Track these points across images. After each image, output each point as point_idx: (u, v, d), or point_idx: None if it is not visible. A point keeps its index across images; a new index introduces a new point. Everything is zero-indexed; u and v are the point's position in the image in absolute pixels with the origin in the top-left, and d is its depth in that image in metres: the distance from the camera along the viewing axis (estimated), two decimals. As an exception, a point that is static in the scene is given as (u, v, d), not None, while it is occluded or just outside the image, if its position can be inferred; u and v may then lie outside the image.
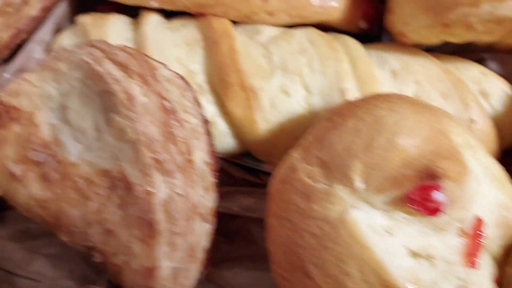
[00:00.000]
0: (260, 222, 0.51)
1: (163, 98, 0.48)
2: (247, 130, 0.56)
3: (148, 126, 0.46)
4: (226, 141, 0.58)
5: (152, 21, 0.60)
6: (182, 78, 0.52)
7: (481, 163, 0.46)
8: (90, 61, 0.47)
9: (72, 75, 0.49)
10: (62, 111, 0.50)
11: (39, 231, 0.57)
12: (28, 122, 0.49)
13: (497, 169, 0.48)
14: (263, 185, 0.59)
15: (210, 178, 0.50)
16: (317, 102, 0.56)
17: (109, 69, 0.46)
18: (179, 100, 0.51)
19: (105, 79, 0.46)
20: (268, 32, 0.60)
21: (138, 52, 0.51)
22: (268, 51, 0.58)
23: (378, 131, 0.43)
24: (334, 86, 0.56)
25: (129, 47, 0.51)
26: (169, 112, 0.47)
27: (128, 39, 0.60)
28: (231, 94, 0.56)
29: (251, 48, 0.58)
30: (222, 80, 0.56)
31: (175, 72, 0.52)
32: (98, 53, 0.48)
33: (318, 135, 0.46)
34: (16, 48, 0.64)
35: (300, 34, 0.59)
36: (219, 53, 0.57)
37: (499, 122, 0.58)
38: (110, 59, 0.47)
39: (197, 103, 0.52)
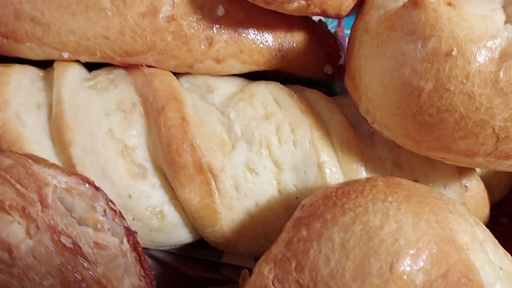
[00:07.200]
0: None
1: (59, 232, 0.35)
2: (206, 222, 0.44)
3: (43, 281, 0.33)
4: (177, 233, 0.46)
5: (70, 78, 0.45)
6: (88, 182, 0.39)
7: (492, 266, 0.40)
8: None
9: None
10: None
11: None
12: None
13: (506, 263, 0.42)
14: (225, 281, 0.49)
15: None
16: (290, 180, 0.46)
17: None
18: (88, 215, 0.38)
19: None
20: (223, 89, 0.48)
21: (18, 162, 0.37)
22: (227, 118, 0.46)
23: (372, 250, 0.34)
24: (309, 159, 0.46)
25: (6, 156, 0.37)
26: (70, 251, 0.35)
27: (39, 104, 0.45)
28: (184, 178, 0.43)
29: (205, 115, 0.46)
30: (171, 160, 0.43)
31: (76, 176, 0.39)
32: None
33: (294, 247, 0.36)
34: None
35: (263, 92, 0.48)
36: (165, 124, 0.43)
37: (489, 181, 0.51)
38: None
39: (113, 212, 0.39)
